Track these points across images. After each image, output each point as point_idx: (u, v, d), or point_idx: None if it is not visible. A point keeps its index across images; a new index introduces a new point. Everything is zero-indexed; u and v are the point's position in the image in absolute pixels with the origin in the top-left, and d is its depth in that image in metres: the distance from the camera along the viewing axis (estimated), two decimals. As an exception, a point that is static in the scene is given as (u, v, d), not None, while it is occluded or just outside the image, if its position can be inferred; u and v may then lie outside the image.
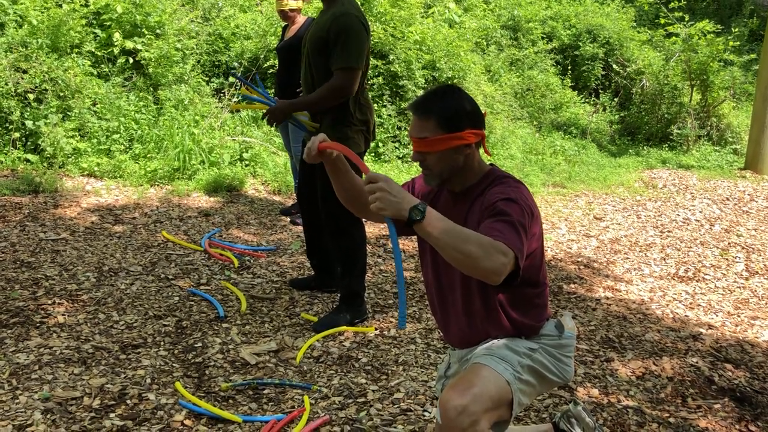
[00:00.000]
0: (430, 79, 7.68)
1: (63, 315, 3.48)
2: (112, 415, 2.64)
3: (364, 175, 1.87)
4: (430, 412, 2.79)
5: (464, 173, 2.12)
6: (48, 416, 2.59)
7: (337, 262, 3.67)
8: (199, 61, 7.49)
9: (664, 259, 5.18)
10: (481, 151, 2.18)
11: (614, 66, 10.82)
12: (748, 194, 7.63)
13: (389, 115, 7.30)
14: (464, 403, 1.84)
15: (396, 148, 7.31)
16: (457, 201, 2.16)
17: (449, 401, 1.85)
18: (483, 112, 2.15)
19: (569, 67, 10.83)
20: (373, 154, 7.21)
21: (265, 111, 3.49)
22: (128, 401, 2.74)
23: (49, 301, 3.62)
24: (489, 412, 1.89)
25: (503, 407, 1.96)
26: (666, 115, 9.94)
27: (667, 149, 9.61)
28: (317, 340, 3.41)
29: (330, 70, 3.31)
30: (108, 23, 6.92)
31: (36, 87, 6.10)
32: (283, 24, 5.36)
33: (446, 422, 1.85)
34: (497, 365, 1.98)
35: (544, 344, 2.13)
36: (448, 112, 2.05)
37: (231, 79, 7.47)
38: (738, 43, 10.48)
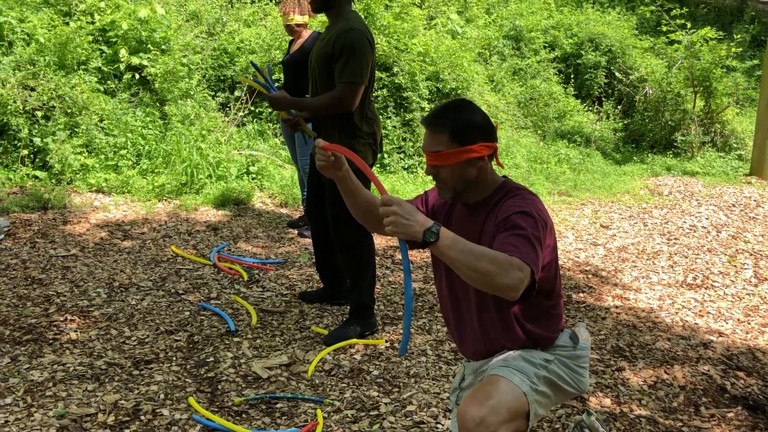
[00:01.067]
0: (435, 90, 7.72)
1: (75, 331, 3.49)
2: (126, 431, 2.65)
3: (373, 187, 1.89)
4: (443, 425, 2.80)
5: (477, 186, 2.14)
6: (63, 433, 2.60)
7: (347, 275, 3.68)
8: (204, 76, 7.55)
9: (672, 267, 5.18)
10: (494, 163, 2.20)
11: (617, 74, 10.85)
12: (754, 200, 7.62)
13: (394, 127, 7.33)
14: (482, 414, 1.85)
15: (401, 159, 7.34)
16: (471, 213, 2.18)
17: (467, 413, 1.86)
18: (494, 124, 2.17)
19: (572, 76, 10.87)
20: (378, 166, 7.24)
21: (264, 96, 3.57)
22: (142, 417, 2.76)
23: (61, 318, 3.64)
24: (506, 424, 1.89)
25: (520, 419, 1.97)
26: (670, 122, 9.95)
27: (671, 156, 9.62)
28: (328, 353, 3.42)
29: (334, 84, 3.34)
30: (114, 40, 6.98)
31: (44, 104, 6.15)
32: (290, 38, 5.40)
33: (463, 434, 1.86)
34: (514, 377, 1.99)
35: (559, 355, 2.14)
36: (460, 125, 2.07)
37: (237, 93, 7.51)
38: (740, 49, 10.50)
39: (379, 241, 5.17)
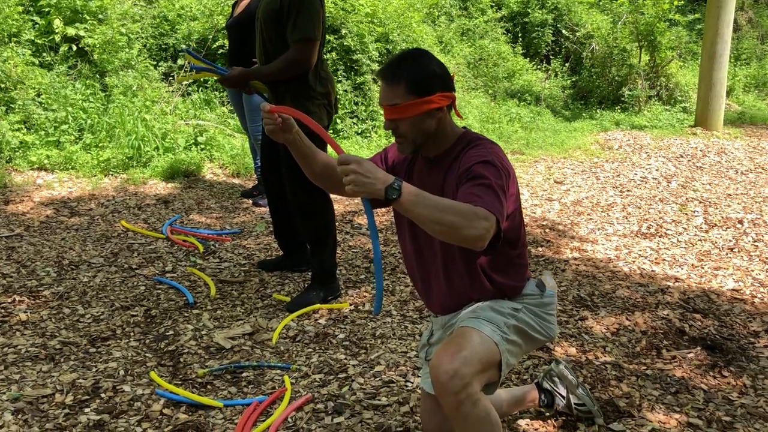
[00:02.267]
0: (384, 52, 7.61)
1: (25, 312, 3.35)
2: (87, 410, 2.55)
3: (330, 149, 1.82)
4: (412, 382, 2.78)
5: (438, 138, 2.08)
6: (19, 416, 2.49)
7: (307, 241, 3.61)
8: (145, 46, 7.27)
9: (626, 218, 5.26)
10: (453, 114, 2.15)
11: (563, 31, 10.91)
12: (700, 150, 7.80)
13: (345, 91, 7.21)
14: (455, 366, 1.82)
15: (354, 123, 7.24)
16: (432, 167, 2.13)
17: (440, 366, 1.83)
18: (451, 73, 2.12)
19: (519, 35, 10.88)
20: (331, 131, 7.12)
21: (219, 78, 3.41)
22: (103, 395, 2.66)
23: (9, 300, 3.48)
24: (479, 374, 1.87)
25: (492, 369, 1.95)
26: (616, 78, 10.07)
27: (619, 111, 9.76)
28: (292, 320, 3.36)
29: (286, 42, 3.22)
30: (47, 9, 6.64)
31: (-26, 80, 5.84)
32: (233, 1, 5.21)
33: (438, 387, 1.84)
34: (484, 327, 1.97)
35: (527, 304, 2.12)
36: (417, 76, 2.00)
37: (180, 61, 7.26)
38: (682, 2, 10.64)
39: (338, 207, 5.10)
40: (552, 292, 2.19)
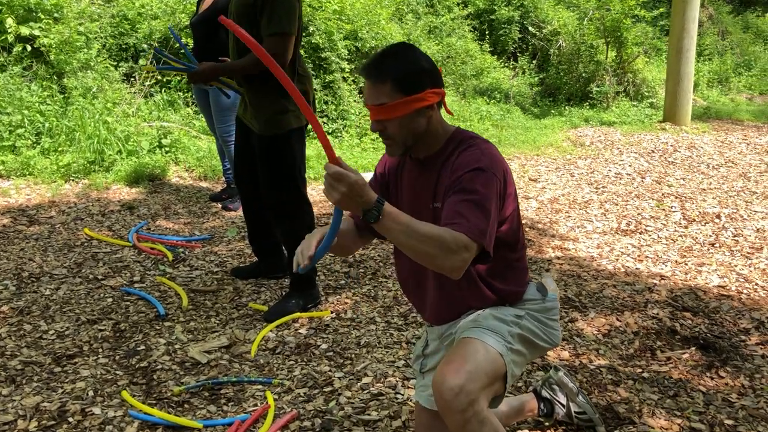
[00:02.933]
0: (353, 49, 7.45)
1: (-18, 330, 3.11)
2: (53, 436, 2.36)
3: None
4: (402, 394, 2.64)
5: (428, 138, 1.94)
6: (-22, 446, 2.28)
7: (284, 245, 3.44)
8: (104, 46, 6.99)
9: (605, 215, 5.20)
10: (443, 111, 2.01)
11: (530, 28, 10.88)
12: (671, 145, 7.82)
13: (314, 90, 7.03)
14: (460, 383, 1.68)
15: (324, 123, 7.07)
16: (423, 169, 1.98)
17: (444, 382, 1.69)
18: (438, 68, 1.97)
19: (486, 32, 10.82)
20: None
21: (188, 74, 3.22)
22: (70, 419, 2.46)
23: (-36, 317, 3.24)
24: (486, 389, 1.74)
25: (498, 382, 1.82)
26: (584, 74, 10.07)
27: (588, 107, 9.76)
28: (270, 331, 3.19)
29: (260, 39, 3.04)
30: (-2, 8, 6.33)
31: None
32: (197, -3, 5.00)
33: (442, 404, 1.70)
34: (488, 338, 1.83)
35: (529, 309, 2.00)
36: (404, 72, 1.85)
37: (141, 62, 6.99)
38: (646, -2, 10.72)
39: (316, 209, 4.92)
40: (554, 295, 2.07)
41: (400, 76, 1.84)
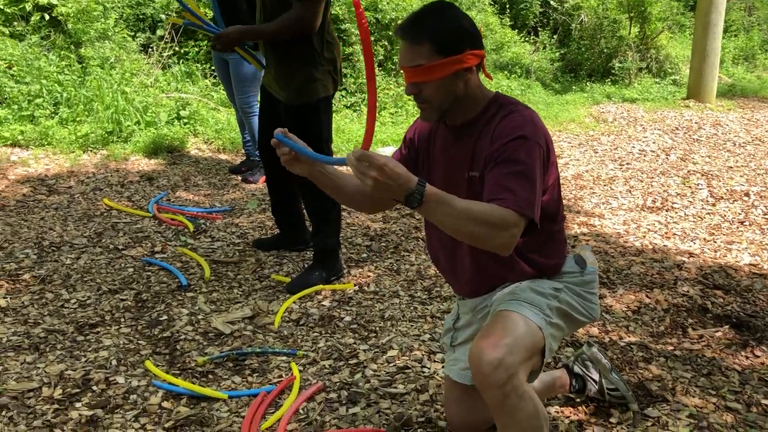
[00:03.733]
0: (373, 21, 7.33)
1: (4, 298, 3.09)
2: (78, 404, 2.33)
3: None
4: (429, 368, 2.59)
5: (466, 102, 1.86)
6: (4, 413, 2.26)
7: (309, 217, 3.39)
8: (121, 16, 6.91)
9: (630, 191, 5.10)
10: (482, 74, 1.92)
11: (552, 2, 10.68)
12: (695, 122, 7.67)
13: (333, 62, 6.94)
14: (499, 356, 1.63)
15: (343, 96, 6.98)
16: (459, 136, 1.90)
17: (482, 356, 1.63)
18: (479, 28, 1.89)
19: (507, 6, 10.63)
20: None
21: (212, 37, 3.14)
22: (94, 387, 2.43)
23: (-14, 284, 3.22)
24: (525, 363, 1.68)
25: (536, 356, 1.76)
26: (606, 50, 9.89)
27: (609, 84, 9.59)
28: (294, 302, 3.14)
29: (288, 4, 2.95)
30: (16, -24, 6.26)
31: (-60, 50, 5.48)
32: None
33: (480, 379, 1.64)
34: (527, 311, 1.77)
35: (568, 283, 1.93)
36: (444, 32, 1.77)
37: (159, 32, 6.92)
38: (672, -28, 10.48)
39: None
40: (593, 268, 2.00)
41: (439, 36, 1.75)
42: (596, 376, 2.32)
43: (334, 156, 3.32)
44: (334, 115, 6.58)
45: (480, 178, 1.81)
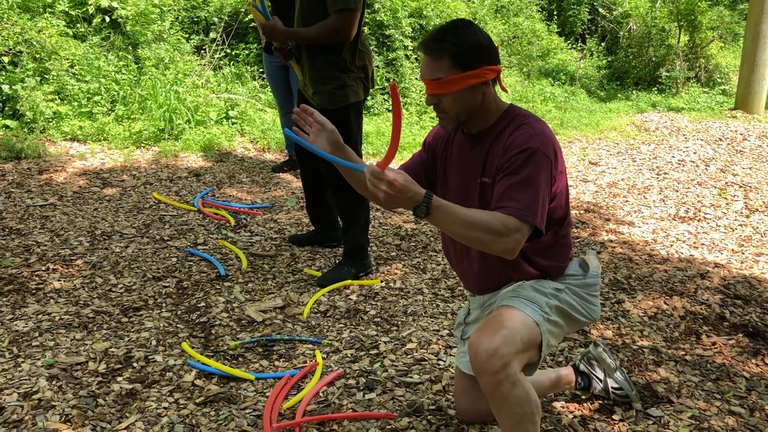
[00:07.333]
0: (417, 27, 7.49)
1: (59, 281, 3.36)
2: (119, 378, 2.56)
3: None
4: (444, 361, 2.74)
5: (482, 113, 2.01)
6: (54, 383, 2.50)
7: (340, 216, 3.57)
8: (177, 18, 7.24)
9: (663, 201, 5.14)
10: (497, 88, 2.07)
11: (600, 10, 10.66)
12: (740, 134, 7.59)
13: (377, 67, 7.13)
14: (495, 345, 1.77)
15: (385, 100, 7.16)
16: (474, 144, 2.06)
17: (479, 345, 1.78)
18: (496, 45, 2.03)
19: (555, 13, 10.66)
20: (362, 108, 7.05)
21: (263, 24, 3.36)
22: (135, 364, 2.66)
23: (43, 268, 3.50)
24: (520, 354, 1.82)
25: (533, 349, 1.90)
26: (654, 58, 9.82)
27: (656, 92, 9.53)
28: (323, 295, 3.33)
29: (325, 12, 3.15)
30: (81, -20, 6.64)
31: (10, 50, 5.86)
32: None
33: (476, 365, 1.79)
34: (525, 307, 1.91)
35: (569, 284, 2.06)
36: (462, 48, 1.92)
37: (212, 34, 7.23)
38: (725, -19, 10.34)
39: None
40: (596, 272, 2.12)
41: (458, 52, 1.91)
42: (601, 375, 2.44)
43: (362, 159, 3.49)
44: (375, 117, 6.79)
45: (491, 185, 1.96)
